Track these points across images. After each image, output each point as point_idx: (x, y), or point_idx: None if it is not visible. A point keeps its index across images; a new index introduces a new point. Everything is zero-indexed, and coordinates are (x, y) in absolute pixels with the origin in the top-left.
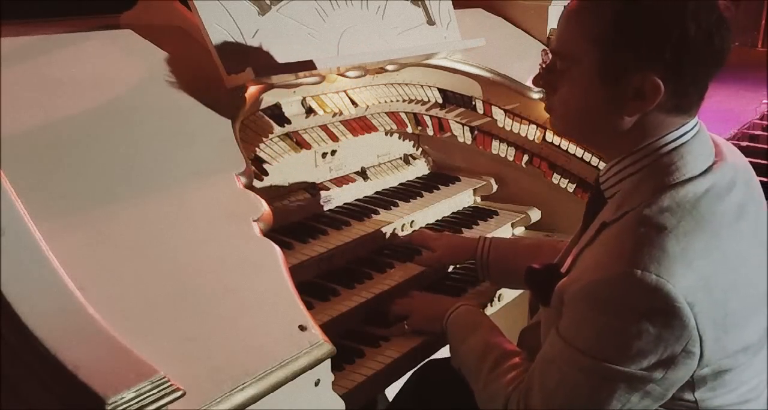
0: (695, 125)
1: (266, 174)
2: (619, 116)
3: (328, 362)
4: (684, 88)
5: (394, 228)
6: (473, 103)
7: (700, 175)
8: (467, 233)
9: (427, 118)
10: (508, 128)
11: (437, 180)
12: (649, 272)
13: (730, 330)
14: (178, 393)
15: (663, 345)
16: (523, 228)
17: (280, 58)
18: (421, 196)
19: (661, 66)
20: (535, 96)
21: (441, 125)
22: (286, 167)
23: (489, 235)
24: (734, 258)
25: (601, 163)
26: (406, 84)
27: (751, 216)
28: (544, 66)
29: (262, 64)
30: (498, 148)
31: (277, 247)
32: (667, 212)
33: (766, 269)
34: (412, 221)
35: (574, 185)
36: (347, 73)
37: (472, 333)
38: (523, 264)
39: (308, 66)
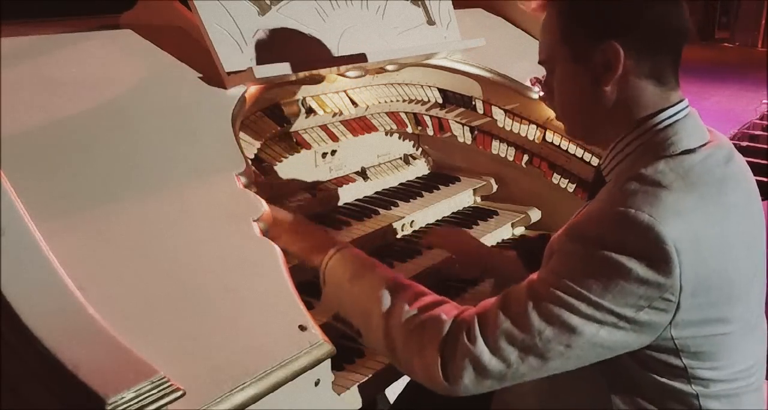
0: (686, 107)
1: (266, 174)
2: (601, 91)
3: (328, 362)
4: (646, 54)
5: (395, 229)
6: (473, 103)
7: (695, 150)
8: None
9: (427, 118)
10: (508, 128)
11: (437, 180)
12: (642, 211)
13: (712, 293)
14: (178, 393)
15: (645, 287)
16: (523, 228)
17: (280, 58)
18: (421, 196)
19: (617, 35)
20: (535, 96)
21: (441, 125)
22: (286, 167)
23: (489, 235)
24: (724, 228)
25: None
26: (406, 84)
27: (742, 197)
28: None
29: (262, 64)
30: (498, 148)
31: (277, 247)
32: (660, 173)
33: (755, 255)
34: (412, 221)
35: (574, 185)
36: (347, 73)
37: (370, 271)
38: None
39: (308, 66)
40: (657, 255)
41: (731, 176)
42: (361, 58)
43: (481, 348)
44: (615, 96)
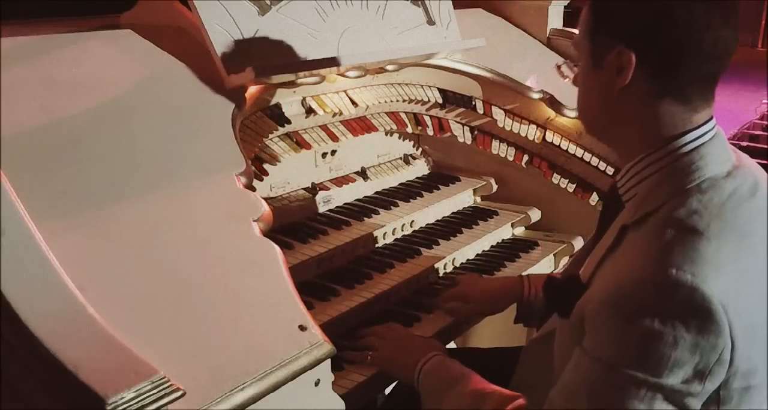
0: (713, 128)
1: (266, 174)
2: (614, 98)
3: (328, 362)
4: (668, 73)
5: (394, 228)
6: (473, 103)
7: (722, 178)
8: (467, 233)
9: (427, 118)
10: (508, 128)
11: (437, 180)
12: (684, 271)
13: (758, 336)
14: (178, 393)
15: (699, 354)
16: (523, 228)
17: (280, 58)
18: (421, 196)
19: (634, 43)
20: (535, 96)
21: (441, 125)
22: (286, 167)
23: (489, 235)
24: (761, 264)
25: (600, 163)
26: (406, 84)
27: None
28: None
29: (262, 64)
30: (498, 148)
31: (277, 247)
32: (696, 214)
33: None
34: (412, 221)
35: (574, 185)
36: (347, 73)
37: (456, 383)
38: None
39: (308, 66)
40: (706, 318)
41: (757, 212)
42: (361, 58)
43: None
44: (630, 110)
